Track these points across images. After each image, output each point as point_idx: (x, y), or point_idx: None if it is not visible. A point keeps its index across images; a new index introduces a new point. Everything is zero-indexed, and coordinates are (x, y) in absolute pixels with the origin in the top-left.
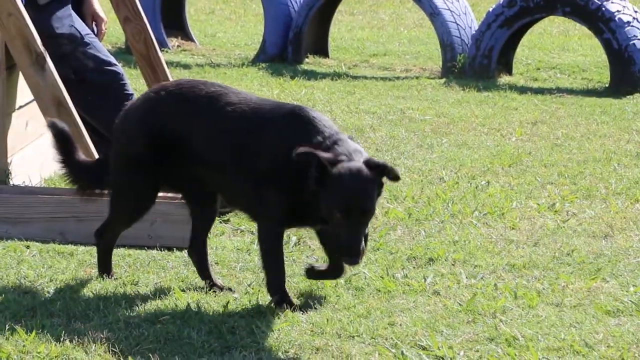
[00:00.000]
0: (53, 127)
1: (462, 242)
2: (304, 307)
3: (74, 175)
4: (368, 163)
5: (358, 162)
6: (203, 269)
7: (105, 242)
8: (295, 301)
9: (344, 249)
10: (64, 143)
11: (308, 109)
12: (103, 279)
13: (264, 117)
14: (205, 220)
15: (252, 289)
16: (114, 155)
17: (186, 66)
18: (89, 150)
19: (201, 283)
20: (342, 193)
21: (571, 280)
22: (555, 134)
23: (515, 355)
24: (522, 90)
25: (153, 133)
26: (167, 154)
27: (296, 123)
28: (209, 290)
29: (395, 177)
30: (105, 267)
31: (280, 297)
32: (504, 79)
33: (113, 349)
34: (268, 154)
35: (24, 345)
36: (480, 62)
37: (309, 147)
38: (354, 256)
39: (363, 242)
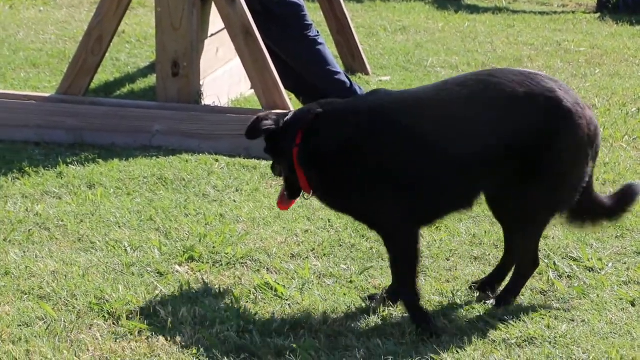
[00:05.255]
0: None
1: (612, 163)
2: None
3: None
4: None
5: None
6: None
7: None
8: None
9: None
10: None
11: None
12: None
13: None
14: None
15: None
16: None
17: (359, 0)
18: (272, 74)
19: None
20: None
21: None
22: None
23: None
24: None
25: None
26: None
27: None
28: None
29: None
30: None
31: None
32: None
33: (291, 252)
34: None
35: (213, 247)
36: None
37: None
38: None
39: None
